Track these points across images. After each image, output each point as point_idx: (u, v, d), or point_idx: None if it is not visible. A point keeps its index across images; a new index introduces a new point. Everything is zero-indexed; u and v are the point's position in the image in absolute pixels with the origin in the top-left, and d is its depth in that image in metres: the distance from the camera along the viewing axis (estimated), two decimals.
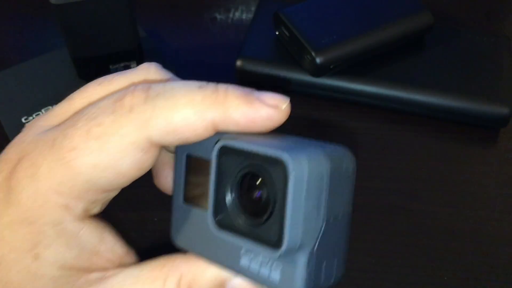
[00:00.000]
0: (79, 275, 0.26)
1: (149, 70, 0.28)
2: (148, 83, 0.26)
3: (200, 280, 0.26)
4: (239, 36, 0.56)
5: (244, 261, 0.24)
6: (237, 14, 0.61)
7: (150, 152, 0.25)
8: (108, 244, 0.27)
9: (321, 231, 0.23)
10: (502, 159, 0.49)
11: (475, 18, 0.61)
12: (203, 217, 0.26)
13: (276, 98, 0.24)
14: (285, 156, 0.21)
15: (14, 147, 0.27)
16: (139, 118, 0.24)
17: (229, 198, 0.24)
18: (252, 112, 0.24)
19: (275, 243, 0.22)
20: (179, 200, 0.28)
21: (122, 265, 0.27)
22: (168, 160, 0.31)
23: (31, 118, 0.48)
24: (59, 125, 0.27)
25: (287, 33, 0.51)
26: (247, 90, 0.25)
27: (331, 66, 0.49)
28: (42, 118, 0.28)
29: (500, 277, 0.41)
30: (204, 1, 0.62)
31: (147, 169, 0.26)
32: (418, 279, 0.41)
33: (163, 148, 0.31)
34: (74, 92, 0.28)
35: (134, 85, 0.26)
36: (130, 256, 0.28)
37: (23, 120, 0.48)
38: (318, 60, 0.49)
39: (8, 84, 0.51)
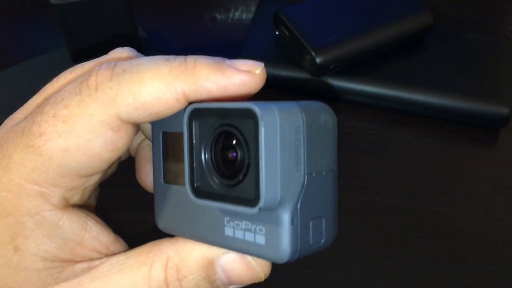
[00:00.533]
0: (64, 266, 0.25)
1: (121, 54, 0.28)
2: (114, 61, 0.25)
3: (187, 261, 0.25)
4: (239, 36, 0.56)
5: (228, 231, 0.24)
6: (237, 14, 0.61)
7: (121, 131, 0.24)
8: (92, 233, 0.26)
9: (303, 187, 0.22)
10: (502, 159, 0.49)
11: (475, 18, 0.61)
12: (183, 194, 0.25)
13: (249, 63, 0.24)
14: (254, 107, 0.20)
15: None
16: (106, 96, 0.23)
17: (204, 162, 0.23)
18: (224, 79, 0.23)
19: (252, 200, 0.21)
20: (159, 181, 0.27)
21: (110, 254, 0.27)
22: (150, 156, 0.30)
23: None
24: (28, 115, 0.27)
25: (287, 33, 0.51)
26: (217, 58, 0.24)
27: (331, 66, 0.49)
28: (17, 112, 0.28)
29: (500, 277, 0.41)
30: (204, 1, 0.62)
31: (122, 150, 0.25)
32: (418, 279, 0.41)
33: (147, 140, 0.30)
34: (48, 84, 0.28)
35: (100, 64, 0.25)
36: (118, 244, 0.28)
37: None
38: (318, 60, 0.49)
39: (8, 84, 0.51)
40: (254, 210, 0.21)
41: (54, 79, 0.28)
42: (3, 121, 0.48)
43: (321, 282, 0.41)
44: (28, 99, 0.50)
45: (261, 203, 0.21)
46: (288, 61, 0.52)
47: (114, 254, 0.27)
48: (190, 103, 0.24)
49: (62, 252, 0.25)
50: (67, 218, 0.25)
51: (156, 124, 0.27)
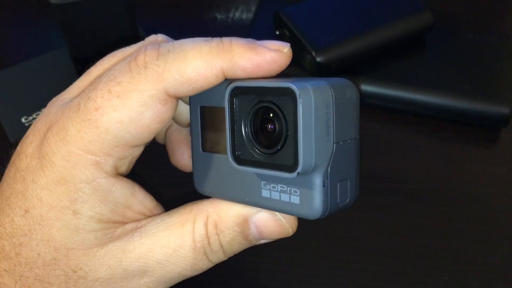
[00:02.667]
0: (116, 227, 0.28)
1: (157, 39, 0.31)
2: (157, 43, 0.28)
3: (225, 218, 0.28)
4: (239, 36, 0.56)
5: (265, 193, 0.27)
6: (237, 14, 0.61)
7: (168, 104, 0.27)
8: (139, 197, 0.29)
9: (333, 154, 0.25)
10: (502, 159, 0.49)
11: (475, 18, 0.61)
12: (222, 161, 0.29)
13: (277, 43, 0.27)
14: (292, 86, 0.23)
15: (42, 119, 0.29)
16: (154, 73, 0.26)
17: (244, 133, 0.26)
18: (257, 57, 0.27)
19: (291, 166, 0.24)
20: (198, 149, 0.30)
21: (153, 216, 0.30)
22: (183, 138, 0.34)
23: (31, 118, 0.48)
24: (80, 92, 0.29)
25: (287, 33, 0.51)
26: (250, 39, 0.28)
27: (332, 66, 0.49)
28: (63, 93, 0.31)
29: (500, 277, 0.41)
30: (204, 1, 0.62)
31: (167, 122, 0.28)
32: (418, 279, 0.41)
33: (177, 125, 0.34)
34: (91, 67, 0.31)
35: (144, 46, 0.28)
36: (159, 208, 0.31)
37: (23, 120, 0.48)
38: (318, 59, 0.49)
39: (8, 84, 0.51)
40: (293, 174, 0.24)
41: (98, 63, 0.31)
42: (3, 121, 0.48)
43: (321, 282, 0.41)
44: (29, 98, 0.50)
45: (299, 168, 0.24)
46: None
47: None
48: (227, 79, 0.27)
49: (114, 215, 0.28)
50: (118, 184, 0.28)
51: (194, 99, 0.30)
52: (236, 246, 0.29)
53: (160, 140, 0.36)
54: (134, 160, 0.30)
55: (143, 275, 0.28)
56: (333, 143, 0.25)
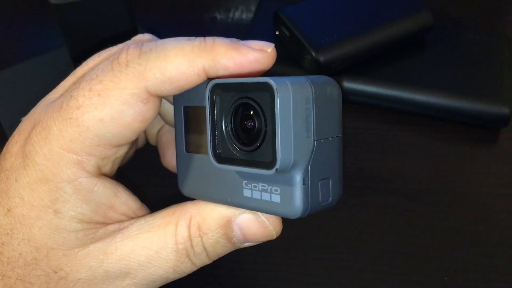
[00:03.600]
0: (98, 227, 0.28)
1: (143, 38, 0.31)
2: (140, 42, 0.28)
3: (208, 220, 0.28)
4: (239, 36, 0.56)
5: (246, 193, 0.26)
6: (237, 14, 0.61)
7: (150, 103, 0.27)
8: (122, 198, 0.29)
9: (313, 151, 0.25)
10: (502, 159, 0.49)
11: (475, 18, 0.61)
12: (205, 162, 0.28)
13: (261, 43, 0.27)
14: (270, 80, 0.23)
15: (27, 119, 0.29)
16: (136, 71, 0.26)
17: (225, 131, 0.26)
18: (240, 56, 0.26)
19: (269, 163, 0.24)
20: (181, 150, 0.30)
21: (136, 218, 0.29)
22: (173, 139, 0.33)
23: None
24: (64, 92, 0.29)
25: (287, 33, 0.51)
26: (233, 39, 0.27)
27: (331, 66, 0.49)
28: (50, 93, 0.31)
29: (500, 277, 0.41)
30: (204, 1, 0.62)
31: (150, 120, 0.28)
32: (418, 279, 0.41)
33: (169, 126, 0.34)
34: (78, 67, 0.31)
35: (128, 45, 0.28)
36: (144, 210, 0.30)
37: (22, 120, 0.48)
38: (318, 59, 0.49)
39: (8, 84, 0.51)
40: (271, 171, 0.23)
41: (84, 62, 0.31)
42: (2, 121, 0.48)
43: (321, 282, 0.41)
44: (29, 99, 0.50)
45: (277, 165, 0.23)
46: (288, 61, 0.52)
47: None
48: (209, 78, 0.27)
49: (96, 215, 0.28)
50: (101, 184, 0.28)
51: (178, 99, 0.30)
52: (220, 248, 0.28)
53: (152, 141, 0.36)
54: (119, 160, 0.29)
55: (125, 277, 0.28)
56: (314, 140, 0.25)
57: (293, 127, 0.24)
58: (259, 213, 0.28)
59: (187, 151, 0.30)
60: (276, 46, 0.54)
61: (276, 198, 0.25)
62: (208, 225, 0.28)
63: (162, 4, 0.62)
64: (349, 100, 0.52)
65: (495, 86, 0.50)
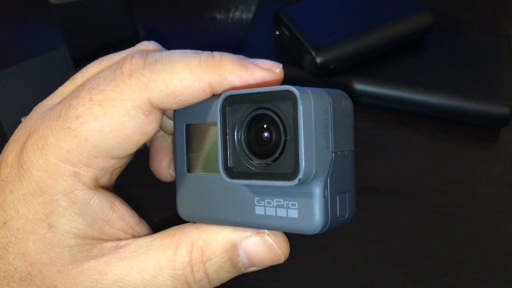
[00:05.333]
0: (93, 244, 0.27)
1: (148, 47, 0.30)
2: (145, 52, 0.27)
3: (212, 245, 0.26)
4: (239, 36, 0.56)
5: (259, 210, 0.25)
6: (237, 14, 0.61)
7: (151, 115, 0.26)
8: (119, 212, 0.28)
9: (332, 162, 0.24)
10: (502, 159, 0.49)
11: (475, 18, 0.61)
12: (210, 182, 0.27)
13: (269, 62, 0.27)
14: (292, 88, 0.23)
15: (23, 127, 0.28)
16: (139, 82, 0.25)
17: (238, 144, 0.25)
18: (247, 74, 0.26)
19: (291, 173, 0.23)
20: (182, 171, 0.29)
21: (135, 235, 0.28)
22: (165, 146, 0.32)
23: None
24: (62, 100, 0.28)
25: (287, 33, 0.51)
26: (241, 56, 0.26)
27: (332, 66, 0.49)
28: (47, 99, 0.29)
29: (500, 277, 0.41)
30: (204, 1, 0.62)
31: (151, 134, 0.27)
32: (418, 279, 0.41)
33: (162, 131, 0.32)
34: (77, 73, 0.30)
35: (132, 54, 0.27)
36: (142, 226, 0.29)
37: (22, 120, 0.48)
38: (318, 59, 0.49)
39: (8, 84, 0.51)
40: (294, 182, 0.22)
41: (84, 69, 0.30)
42: (2, 121, 0.48)
43: (321, 282, 0.41)
44: (28, 99, 0.50)
45: (300, 174, 0.22)
46: (288, 61, 0.52)
47: (139, 235, 0.28)
48: (214, 95, 0.26)
49: (92, 230, 0.27)
50: (97, 197, 0.27)
51: (179, 117, 0.29)
52: (223, 274, 0.27)
53: (147, 143, 0.34)
54: (117, 172, 0.29)
55: None
56: (332, 151, 0.24)
57: (315, 137, 0.23)
58: (267, 237, 0.26)
59: (188, 171, 0.28)
60: (276, 46, 0.55)
61: (294, 213, 0.24)
62: (212, 250, 0.26)
63: (162, 4, 0.62)
64: None
65: (495, 86, 0.50)
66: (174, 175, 0.33)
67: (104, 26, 0.46)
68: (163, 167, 0.32)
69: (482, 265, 0.42)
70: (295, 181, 0.22)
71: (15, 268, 0.26)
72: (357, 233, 0.43)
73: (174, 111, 0.29)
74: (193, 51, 0.26)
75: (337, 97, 0.25)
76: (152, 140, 0.33)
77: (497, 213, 0.45)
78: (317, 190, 0.24)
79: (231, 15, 0.61)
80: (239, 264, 0.27)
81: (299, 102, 0.22)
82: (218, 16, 0.61)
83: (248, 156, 0.24)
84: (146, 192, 0.40)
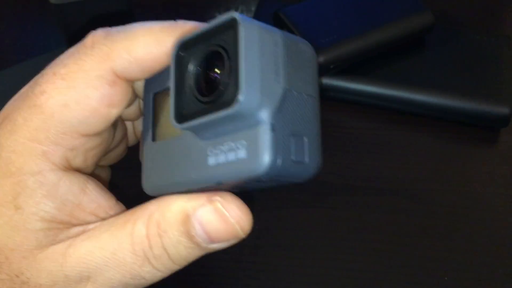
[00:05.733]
0: (60, 229, 0.26)
1: None
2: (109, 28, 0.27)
3: (166, 215, 0.25)
4: None
5: (211, 161, 0.24)
6: None
7: (117, 86, 0.25)
8: (91, 195, 0.27)
9: (282, 97, 0.23)
10: (502, 159, 0.49)
11: (475, 18, 0.61)
12: (170, 145, 0.26)
13: None
14: (235, 14, 0.22)
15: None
16: (101, 52, 0.25)
17: (188, 88, 0.24)
18: None
19: (232, 99, 0.21)
20: (148, 141, 0.28)
21: (108, 218, 0.27)
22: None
23: None
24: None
25: None
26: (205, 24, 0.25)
27: (331, 66, 0.49)
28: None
29: (500, 277, 0.41)
30: (204, 1, 0.62)
31: (119, 106, 0.26)
32: (418, 279, 0.41)
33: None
34: None
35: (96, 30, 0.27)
36: (118, 209, 0.28)
37: None
38: (318, 59, 0.48)
39: (8, 84, 0.51)
40: (235, 107, 0.21)
41: None
42: None
43: (321, 282, 0.41)
44: None
45: (241, 96, 0.21)
46: None
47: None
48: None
49: (60, 214, 0.26)
50: (67, 179, 0.26)
51: (148, 88, 0.28)
52: (183, 250, 0.25)
53: (133, 139, 0.34)
54: (93, 154, 0.28)
55: (86, 281, 0.25)
56: (283, 86, 0.23)
57: (259, 64, 0.22)
58: (218, 204, 0.24)
59: (153, 140, 0.27)
60: None
61: (242, 153, 0.22)
62: (167, 221, 0.25)
63: (162, 4, 0.62)
64: (349, 100, 0.52)
65: (495, 86, 0.50)
66: None
67: (104, 26, 0.46)
68: None
69: (482, 265, 0.42)
70: (237, 106, 0.21)
71: None
72: (357, 233, 0.43)
73: (145, 82, 0.28)
74: (157, 21, 0.26)
75: (294, 39, 0.24)
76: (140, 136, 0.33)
77: (497, 213, 0.45)
78: (263, 119, 0.22)
79: None
80: (196, 237, 0.25)
81: (240, 26, 0.21)
82: (218, 16, 0.61)
83: (197, 98, 0.23)
84: (144, 192, 0.40)
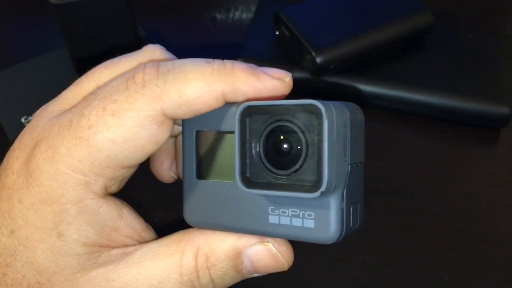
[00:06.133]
0: (101, 251, 0.27)
1: (155, 52, 0.30)
2: (157, 61, 0.27)
3: (216, 251, 0.27)
4: (239, 36, 0.56)
5: (273, 219, 0.26)
6: (237, 14, 0.61)
7: (164, 125, 0.26)
8: (127, 220, 0.28)
9: (348, 175, 0.25)
10: (502, 159, 0.49)
11: (475, 18, 0.61)
12: (222, 189, 0.27)
13: (280, 71, 0.27)
14: (317, 103, 0.23)
15: (28, 133, 0.27)
16: (153, 92, 0.25)
17: (255, 155, 0.25)
18: (259, 83, 0.26)
19: (314, 185, 0.23)
20: (191, 177, 0.29)
21: (142, 241, 0.29)
22: (166, 148, 0.32)
23: (31, 118, 0.48)
24: (72, 108, 0.28)
25: (287, 33, 0.51)
26: (252, 65, 0.27)
27: (331, 66, 0.49)
28: (51, 104, 0.29)
29: (500, 277, 0.41)
30: (204, 1, 0.62)
31: (162, 143, 0.27)
32: (418, 279, 0.41)
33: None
34: (81, 77, 0.30)
35: (143, 64, 0.27)
36: (149, 231, 0.29)
37: (22, 120, 0.48)
38: (318, 59, 0.49)
39: (8, 84, 0.51)
40: (316, 194, 0.23)
41: (89, 73, 0.30)
42: (3, 121, 0.48)
43: (321, 282, 0.41)
44: (28, 99, 0.50)
45: (323, 187, 0.23)
46: (288, 61, 0.52)
47: (145, 241, 0.29)
48: (227, 104, 0.26)
49: (100, 238, 0.27)
50: (107, 206, 0.27)
51: (188, 123, 0.29)
52: (228, 280, 0.27)
53: None
54: (126, 180, 0.29)
55: None
56: (348, 164, 0.25)
57: (335, 150, 0.24)
58: (271, 246, 0.27)
59: (198, 177, 0.29)
60: (276, 46, 0.55)
61: (310, 223, 0.25)
62: (217, 256, 0.27)
63: (162, 4, 0.62)
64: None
65: (495, 86, 0.50)
66: (175, 176, 0.34)
67: (104, 26, 0.46)
68: (164, 169, 0.33)
69: (482, 265, 0.42)
70: (317, 193, 0.23)
71: (23, 276, 0.26)
72: (357, 233, 0.43)
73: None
74: (205, 60, 0.27)
75: (354, 110, 0.26)
76: None
77: (497, 213, 0.45)
78: (335, 202, 0.24)
79: (231, 15, 0.61)
80: (243, 270, 0.27)
81: (324, 116, 0.23)
82: (218, 16, 0.61)
83: (266, 167, 0.25)
84: (145, 192, 0.40)
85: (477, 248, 0.43)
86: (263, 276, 0.41)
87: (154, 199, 0.43)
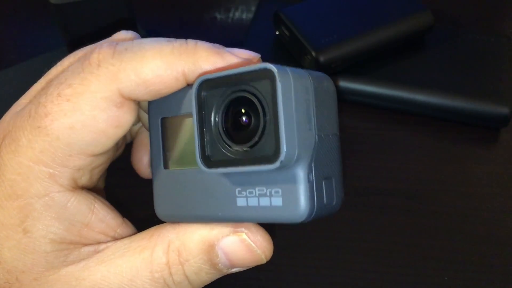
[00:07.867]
0: (71, 249, 0.26)
1: (126, 36, 0.28)
2: (115, 41, 0.26)
3: (188, 245, 0.25)
4: (239, 36, 0.56)
5: (241, 202, 0.24)
6: (237, 14, 0.61)
7: (124, 107, 0.25)
8: (99, 215, 0.26)
9: (315, 145, 0.23)
10: (502, 159, 0.49)
11: (475, 18, 0.61)
12: (188, 176, 0.25)
13: (247, 52, 0.25)
14: (270, 66, 0.21)
15: None
16: (108, 72, 0.24)
17: (215, 131, 0.23)
18: (223, 63, 0.24)
19: (272, 155, 0.21)
20: (159, 168, 0.27)
21: (118, 237, 0.27)
22: (146, 142, 0.30)
23: None
24: (32, 98, 0.27)
25: (287, 33, 0.51)
26: (217, 44, 0.25)
27: (331, 66, 0.49)
28: (21, 98, 0.28)
29: (500, 277, 0.41)
30: (204, 1, 0.62)
31: (126, 126, 0.25)
32: (418, 279, 0.41)
33: (143, 126, 0.31)
34: (52, 68, 0.29)
35: (101, 44, 0.26)
36: (126, 227, 0.28)
37: None
38: (318, 59, 0.49)
39: (8, 84, 0.51)
40: (275, 164, 0.21)
41: (58, 63, 0.28)
42: None
43: (321, 282, 0.41)
44: None
45: (282, 156, 0.21)
46: (288, 61, 0.52)
47: (122, 237, 0.27)
48: (189, 85, 0.25)
49: (69, 234, 0.25)
50: (75, 199, 0.25)
51: (154, 111, 0.27)
52: (204, 276, 0.26)
53: (130, 138, 0.33)
54: (99, 171, 0.27)
55: None
56: (315, 133, 0.23)
57: (296, 117, 0.22)
58: (245, 236, 0.25)
59: (165, 167, 0.27)
60: (276, 46, 0.54)
61: (278, 201, 0.23)
62: (189, 250, 0.25)
63: (162, 4, 0.62)
64: (348, 100, 0.52)
65: (495, 86, 0.50)
66: None
67: (104, 26, 0.46)
68: (143, 163, 0.31)
69: (482, 265, 0.42)
70: (277, 164, 0.21)
71: None
72: (357, 233, 0.43)
73: (149, 104, 0.27)
74: (166, 38, 0.25)
75: (319, 78, 0.23)
76: (137, 133, 0.32)
77: (497, 213, 0.45)
78: (301, 174, 0.22)
79: (231, 15, 0.61)
80: (219, 265, 0.25)
81: (278, 80, 0.21)
82: (218, 16, 0.61)
83: (226, 143, 0.23)
84: (145, 192, 0.40)
85: (476, 248, 0.43)
86: (262, 276, 0.41)
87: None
